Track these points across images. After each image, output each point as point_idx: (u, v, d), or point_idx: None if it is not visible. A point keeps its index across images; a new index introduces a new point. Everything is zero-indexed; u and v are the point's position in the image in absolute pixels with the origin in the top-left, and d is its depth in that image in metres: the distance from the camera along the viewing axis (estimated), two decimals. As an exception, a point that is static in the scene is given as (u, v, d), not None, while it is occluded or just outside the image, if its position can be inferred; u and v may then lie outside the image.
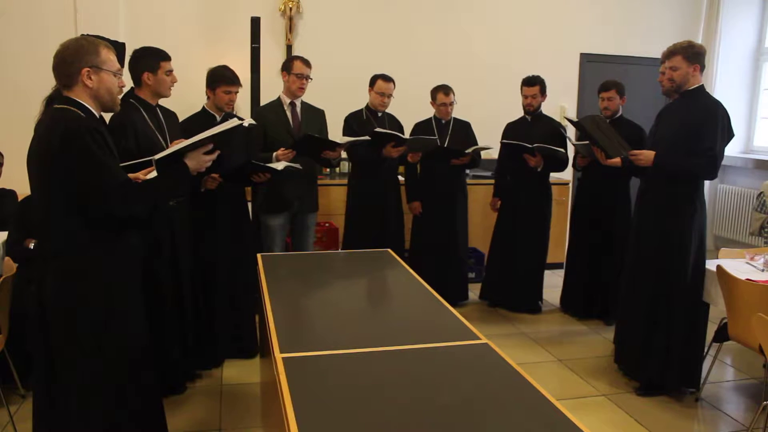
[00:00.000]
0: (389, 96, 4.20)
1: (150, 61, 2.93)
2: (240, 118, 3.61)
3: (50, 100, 2.09)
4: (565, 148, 4.24)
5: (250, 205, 4.14)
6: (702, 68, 3.10)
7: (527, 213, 4.43)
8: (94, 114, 2.05)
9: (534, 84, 4.33)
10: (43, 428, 2.06)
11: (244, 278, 3.58)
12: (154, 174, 2.15)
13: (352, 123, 4.19)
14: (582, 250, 4.35)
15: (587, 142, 3.68)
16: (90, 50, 2.00)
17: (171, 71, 2.98)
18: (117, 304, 2.06)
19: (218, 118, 3.42)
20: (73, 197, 1.94)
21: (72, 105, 1.99)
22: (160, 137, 2.96)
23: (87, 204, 1.96)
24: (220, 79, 3.37)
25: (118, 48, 2.44)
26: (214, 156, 2.22)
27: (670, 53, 3.09)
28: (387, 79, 4.19)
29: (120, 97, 2.17)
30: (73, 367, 1.99)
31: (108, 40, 2.23)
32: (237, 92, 3.44)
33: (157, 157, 2.10)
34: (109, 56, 2.05)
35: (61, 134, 1.90)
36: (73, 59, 1.98)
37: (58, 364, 1.99)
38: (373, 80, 4.22)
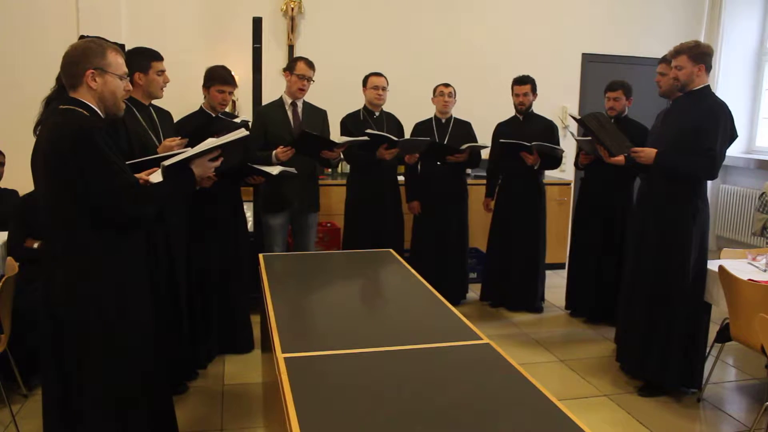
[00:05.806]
0: (384, 88, 4.20)
1: (141, 61, 2.91)
2: (236, 121, 3.63)
3: (50, 101, 2.08)
4: (558, 145, 4.27)
5: (251, 204, 4.15)
6: (708, 68, 3.09)
7: (522, 211, 4.43)
8: (99, 115, 2.05)
9: (525, 83, 4.34)
10: (54, 428, 2.05)
11: (238, 277, 3.59)
12: (157, 174, 2.16)
13: (349, 124, 4.18)
14: (586, 251, 4.28)
15: (590, 138, 3.67)
16: (97, 52, 2.02)
17: (163, 71, 2.96)
18: (126, 303, 2.05)
19: (213, 117, 3.43)
20: (82, 197, 1.93)
21: (77, 105, 1.99)
22: (153, 137, 2.95)
23: (99, 205, 1.95)
24: (214, 78, 3.40)
25: None
26: (218, 162, 2.26)
27: (676, 52, 3.09)
28: (377, 73, 4.22)
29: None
30: (84, 367, 1.98)
31: (107, 41, 2.23)
32: (231, 92, 3.45)
33: (166, 163, 2.11)
34: (116, 59, 2.07)
35: (71, 135, 1.90)
36: (79, 60, 2.00)
37: (69, 364, 1.98)
38: (365, 79, 4.25)
